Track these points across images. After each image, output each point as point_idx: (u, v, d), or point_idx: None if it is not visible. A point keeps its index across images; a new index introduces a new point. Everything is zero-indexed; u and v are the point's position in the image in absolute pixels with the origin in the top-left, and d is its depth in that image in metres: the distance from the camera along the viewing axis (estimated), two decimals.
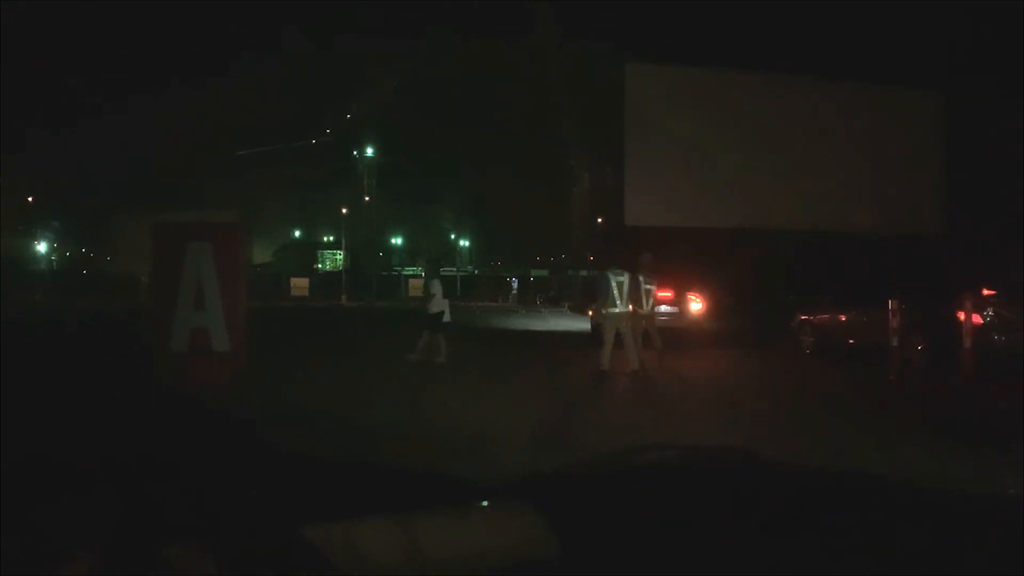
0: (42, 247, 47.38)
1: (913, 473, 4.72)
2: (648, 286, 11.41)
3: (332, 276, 54.05)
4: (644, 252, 11.79)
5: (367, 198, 61.57)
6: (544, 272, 56.18)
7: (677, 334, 13.54)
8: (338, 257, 61.14)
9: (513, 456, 5.07)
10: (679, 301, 14.66)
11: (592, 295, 19.61)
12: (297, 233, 67.83)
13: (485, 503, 0.92)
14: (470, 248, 66.06)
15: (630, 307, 10.34)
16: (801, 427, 6.74)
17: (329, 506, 0.91)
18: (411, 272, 57.66)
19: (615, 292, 10.19)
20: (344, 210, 56.50)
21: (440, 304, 10.70)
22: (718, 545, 0.88)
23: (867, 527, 0.96)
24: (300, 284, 46.76)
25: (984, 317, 9.64)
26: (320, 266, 62.93)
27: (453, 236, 66.44)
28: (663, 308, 14.42)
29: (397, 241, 66.83)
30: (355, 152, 61.97)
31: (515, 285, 46.61)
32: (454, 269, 61.84)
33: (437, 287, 10.90)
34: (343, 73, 60.04)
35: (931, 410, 7.82)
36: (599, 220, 31.69)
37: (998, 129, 13.98)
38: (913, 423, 6.99)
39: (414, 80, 56.08)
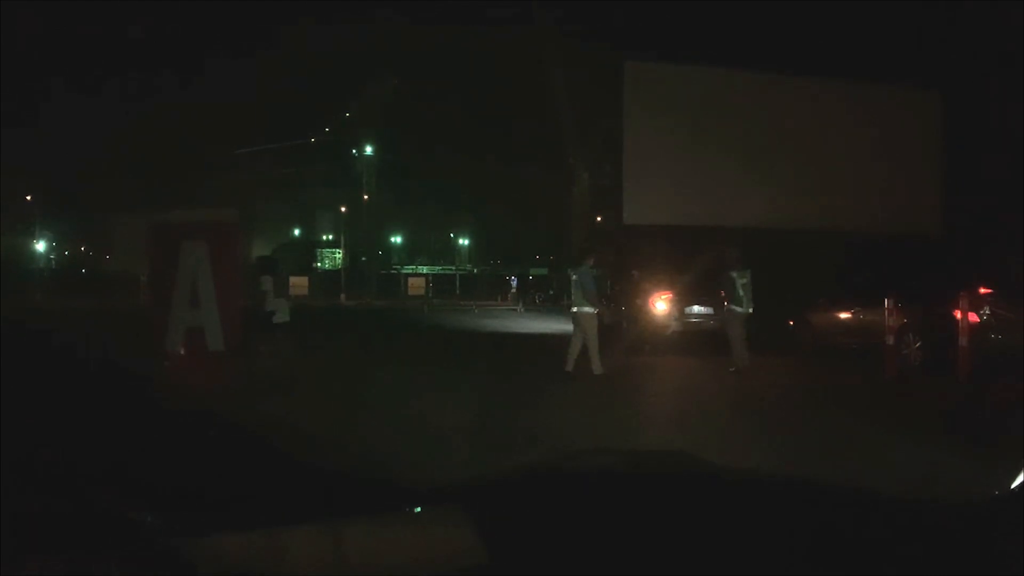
0: (41, 246, 47.41)
1: (906, 473, 4.69)
2: (744, 280, 10.25)
3: (331, 275, 54.12)
4: (730, 246, 10.71)
5: (366, 197, 61.55)
6: (543, 271, 56.18)
7: (710, 336, 12.47)
8: (337, 256, 61.14)
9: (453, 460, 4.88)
10: (712, 301, 13.14)
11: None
12: (297, 232, 67.82)
13: (416, 510, 0.91)
14: (469, 247, 66.03)
15: (586, 309, 9.47)
16: (789, 428, 6.71)
17: (255, 512, 0.90)
18: (410, 271, 57.76)
19: (572, 290, 9.72)
20: (343, 209, 56.56)
21: (273, 303, 9.94)
22: (654, 553, 0.87)
23: (809, 533, 0.95)
24: (299, 283, 46.79)
25: (981, 316, 9.64)
26: (319, 265, 62.94)
27: (452, 235, 66.42)
28: (696, 308, 13.68)
29: (396, 240, 66.82)
30: (354, 151, 61.95)
31: (515, 284, 46.62)
32: (453, 268, 61.91)
33: (268, 284, 10.15)
34: (343, 73, 60.01)
35: (926, 409, 7.80)
36: (598, 219, 31.64)
37: (998, 129, 13.97)
38: (908, 422, 6.97)
39: (413, 79, 56.08)
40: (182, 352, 7.67)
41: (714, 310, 12.99)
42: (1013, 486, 1.12)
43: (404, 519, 0.88)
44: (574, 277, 9.70)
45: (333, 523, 0.82)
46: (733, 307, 10.31)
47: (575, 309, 9.56)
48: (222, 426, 4.93)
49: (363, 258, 58.97)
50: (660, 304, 13.91)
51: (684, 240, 14.30)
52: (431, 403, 7.39)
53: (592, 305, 9.48)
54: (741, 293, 10.18)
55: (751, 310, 10.24)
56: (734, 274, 10.24)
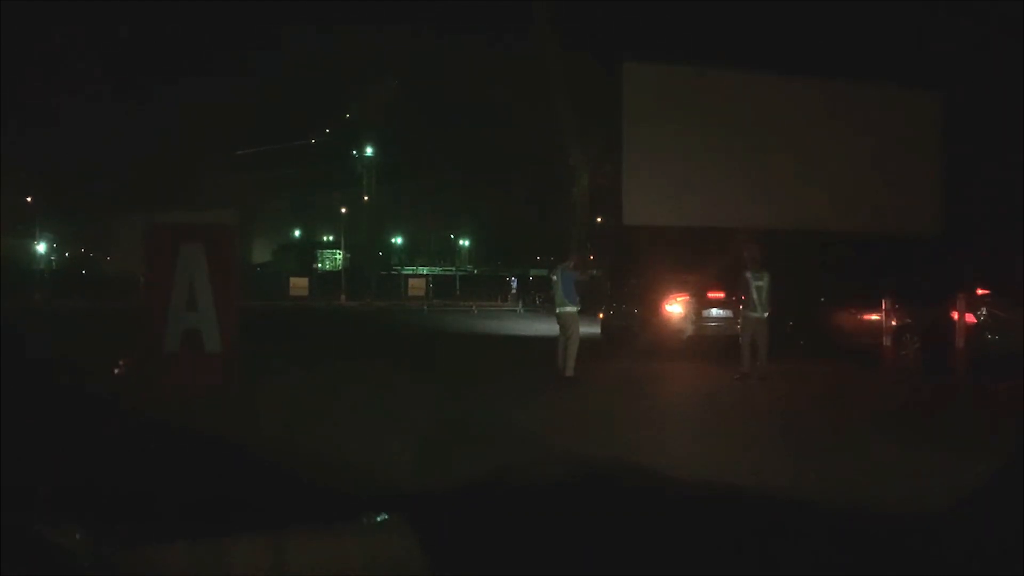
0: (41, 247, 47.43)
1: (897, 476, 4.66)
2: (760, 283, 9.71)
3: (332, 275, 54.14)
4: (749, 246, 10.10)
5: (366, 198, 61.57)
6: (544, 272, 56.14)
7: (732, 342, 11.39)
8: (337, 257, 61.18)
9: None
10: (731, 304, 12.41)
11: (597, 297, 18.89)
12: (297, 233, 67.89)
13: (360, 520, 0.90)
14: (469, 247, 66.05)
15: (568, 308, 9.43)
16: (781, 428, 6.70)
17: (201, 522, 0.89)
18: (410, 271, 57.74)
19: (554, 291, 9.76)
20: (344, 210, 56.58)
21: None
22: (595, 564, 0.86)
23: (761, 544, 0.94)
24: (299, 284, 46.83)
25: (978, 317, 9.63)
26: (320, 266, 62.98)
27: (452, 236, 66.46)
28: (714, 312, 12.96)
29: (397, 240, 66.86)
30: (355, 152, 61.98)
31: (515, 285, 46.55)
32: (453, 269, 61.89)
33: None
34: (343, 73, 60.06)
35: (921, 410, 7.79)
36: (598, 220, 31.64)
37: (998, 129, 13.97)
38: (901, 423, 6.96)
39: (413, 80, 56.13)
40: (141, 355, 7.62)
41: (733, 313, 12.29)
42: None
43: (347, 529, 0.87)
44: (554, 278, 9.83)
45: (276, 533, 0.81)
46: (747, 311, 9.87)
47: (558, 310, 9.64)
48: (171, 433, 4.83)
49: (348, 255, 58.82)
50: (675, 307, 13.19)
51: (695, 240, 13.95)
52: (410, 415, 6.92)
53: (573, 304, 9.50)
54: (756, 296, 9.74)
55: (766, 314, 9.75)
56: (749, 275, 9.80)
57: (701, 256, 12.99)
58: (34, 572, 0.72)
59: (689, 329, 13.01)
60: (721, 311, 13.01)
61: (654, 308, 13.61)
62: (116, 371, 7.66)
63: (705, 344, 12.65)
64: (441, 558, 0.83)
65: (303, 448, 5.02)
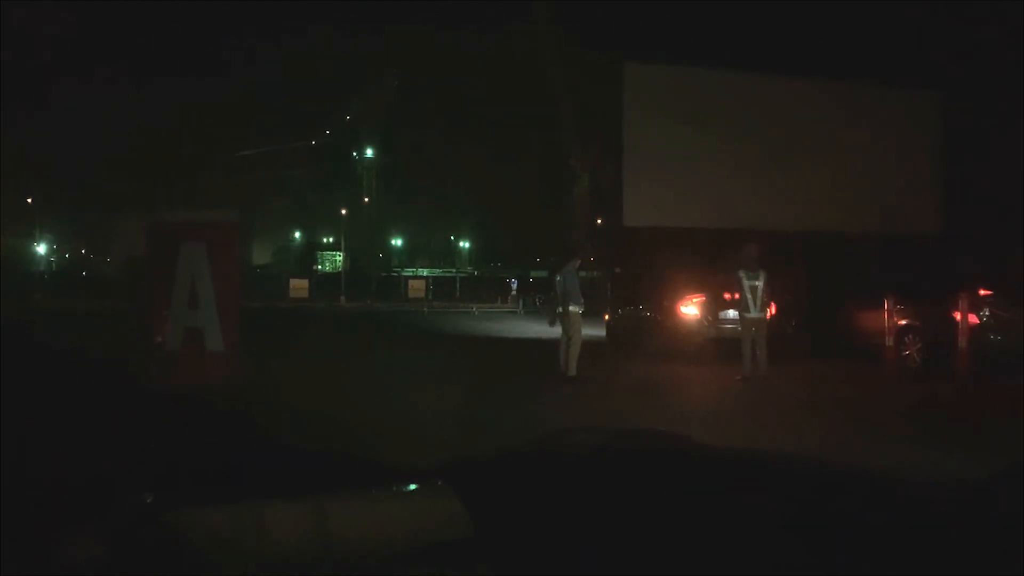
0: (42, 247, 47.44)
1: (897, 470, 4.67)
2: (755, 282, 9.68)
3: (332, 277, 54.17)
4: (748, 244, 10.08)
5: (367, 199, 61.59)
6: (544, 273, 56.11)
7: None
8: (337, 258, 61.18)
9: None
10: None
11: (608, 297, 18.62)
12: (297, 234, 67.91)
13: (402, 485, 0.90)
14: (470, 249, 66.08)
15: (572, 308, 9.47)
16: (779, 424, 6.70)
17: (242, 489, 0.89)
18: (410, 273, 57.77)
19: (558, 291, 9.76)
20: (344, 211, 56.63)
21: None
22: (630, 528, 0.86)
23: (783, 512, 0.93)
24: (299, 285, 46.81)
25: (980, 317, 9.63)
26: (319, 267, 62.99)
27: (452, 237, 66.52)
28: (731, 313, 12.31)
29: (397, 242, 66.89)
30: (355, 153, 62.00)
31: (515, 286, 46.53)
32: (454, 270, 61.93)
33: None
34: (343, 73, 60.10)
35: (922, 410, 7.79)
36: (599, 221, 31.62)
37: (998, 129, 13.98)
38: (902, 423, 6.96)
39: (413, 80, 56.20)
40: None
41: None
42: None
43: (388, 493, 0.88)
44: (558, 278, 9.80)
45: (318, 497, 0.81)
46: (743, 312, 9.83)
47: (561, 309, 9.62)
48: (210, 411, 4.95)
49: (336, 254, 58.88)
50: (690, 308, 12.93)
51: (698, 241, 13.80)
52: (420, 407, 7.34)
53: (577, 305, 9.49)
54: (749, 296, 9.71)
55: (760, 315, 9.71)
56: (742, 274, 9.80)
57: (709, 257, 12.86)
58: (34, 572, 0.72)
59: (705, 331, 12.72)
60: (735, 313, 12.73)
61: (667, 310, 13.31)
62: (158, 339, 7.67)
63: (722, 346, 12.22)
64: (483, 519, 0.83)
65: (328, 428, 5.22)
